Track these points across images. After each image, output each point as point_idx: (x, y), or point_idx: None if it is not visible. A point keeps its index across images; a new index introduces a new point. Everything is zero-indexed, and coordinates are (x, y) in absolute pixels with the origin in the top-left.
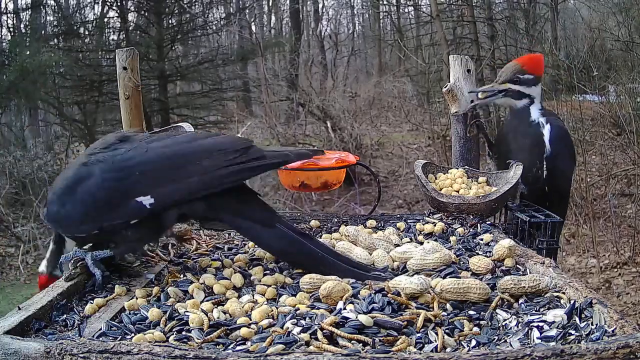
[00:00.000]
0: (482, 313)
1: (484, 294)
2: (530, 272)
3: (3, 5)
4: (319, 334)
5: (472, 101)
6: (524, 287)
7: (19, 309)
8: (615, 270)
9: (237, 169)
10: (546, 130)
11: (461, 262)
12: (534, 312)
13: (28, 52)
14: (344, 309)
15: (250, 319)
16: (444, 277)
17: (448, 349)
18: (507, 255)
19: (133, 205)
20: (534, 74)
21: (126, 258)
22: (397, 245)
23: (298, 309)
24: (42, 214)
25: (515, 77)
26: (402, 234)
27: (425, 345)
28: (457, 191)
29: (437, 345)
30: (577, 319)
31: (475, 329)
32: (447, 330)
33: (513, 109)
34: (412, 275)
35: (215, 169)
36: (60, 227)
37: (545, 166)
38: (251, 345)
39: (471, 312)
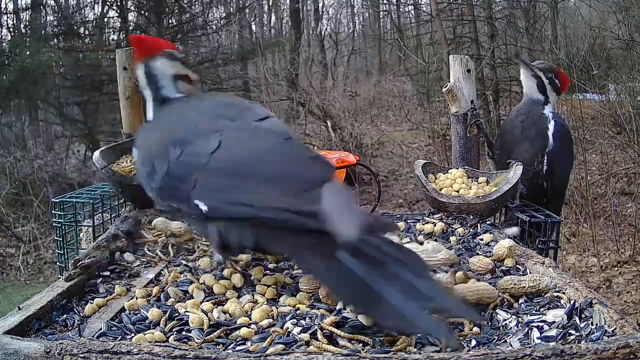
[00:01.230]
0: (482, 313)
1: (493, 297)
2: (530, 272)
3: (3, 6)
4: (319, 334)
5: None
6: (524, 287)
7: (19, 309)
8: (616, 269)
9: (283, 221)
10: (551, 125)
11: (461, 262)
12: (534, 312)
13: (28, 52)
14: (344, 309)
15: (250, 319)
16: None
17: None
18: (507, 255)
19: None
20: (560, 85)
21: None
22: None
23: (298, 309)
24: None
25: (549, 74)
26: (402, 234)
27: (425, 345)
28: (457, 191)
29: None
30: (577, 319)
31: (475, 329)
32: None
33: (527, 99)
34: None
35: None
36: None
37: (546, 160)
38: (251, 345)
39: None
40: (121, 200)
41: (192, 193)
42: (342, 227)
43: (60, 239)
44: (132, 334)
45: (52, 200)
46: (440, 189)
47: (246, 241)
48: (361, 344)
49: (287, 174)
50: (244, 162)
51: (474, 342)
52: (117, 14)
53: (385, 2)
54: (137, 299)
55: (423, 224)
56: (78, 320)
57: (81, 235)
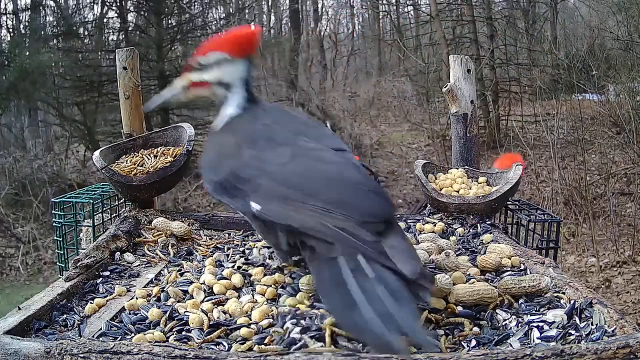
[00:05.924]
0: (482, 313)
1: (494, 297)
2: (530, 272)
3: (2, 6)
4: (327, 336)
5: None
6: (524, 287)
7: (19, 309)
8: (615, 269)
9: (359, 242)
10: None
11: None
12: (534, 312)
13: (28, 53)
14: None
15: (250, 319)
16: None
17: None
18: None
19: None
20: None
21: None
22: None
23: (298, 309)
24: None
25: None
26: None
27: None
28: (457, 191)
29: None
30: (577, 319)
31: (475, 329)
32: (447, 331)
33: None
34: None
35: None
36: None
37: None
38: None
39: (471, 312)
40: (121, 200)
41: (252, 194)
42: (404, 268)
43: (60, 239)
44: (132, 334)
45: (52, 200)
46: (440, 189)
47: (282, 242)
48: (361, 344)
49: (358, 204)
50: (314, 181)
51: (474, 342)
52: (116, 15)
53: (384, 2)
54: (137, 299)
55: (423, 224)
56: (78, 320)
57: (81, 235)
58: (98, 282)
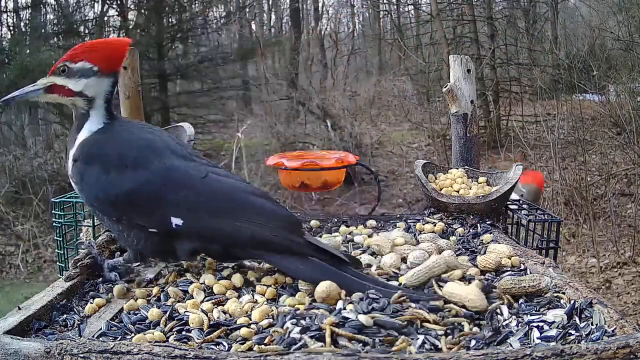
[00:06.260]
0: (482, 313)
1: (480, 305)
2: (530, 272)
3: (3, 4)
4: (327, 335)
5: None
6: (524, 287)
7: (19, 308)
8: (615, 270)
9: (278, 242)
10: None
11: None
12: (534, 312)
13: (28, 51)
14: (344, 309)
15: (250, 319)
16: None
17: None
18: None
19: (164, 219)
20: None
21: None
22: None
23: (298, 309)
24: (69, 166)
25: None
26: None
27: (425, 344)
28: (457, 191)
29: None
30: (577, 319)
31: (475, 329)
32: (447, 330)
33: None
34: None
35: (260, 232)
36: (84, 192)
37: None
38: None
39: (471, 312)
40: None
41: (171, 209)
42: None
43: (60, 239)
44: (132, 334)
45: (52, 200)
46: (440, 189)
47: (212, 252)
48: (361, 344)
49: (278, 212)
50: (234, 193)
51: (473, 342)
52: (117, 13)
53: (385, 1)
54: (137, 299)
55: (423, 224)
56: (78, 320)
57: (81, 235)
58: (98, 282)
